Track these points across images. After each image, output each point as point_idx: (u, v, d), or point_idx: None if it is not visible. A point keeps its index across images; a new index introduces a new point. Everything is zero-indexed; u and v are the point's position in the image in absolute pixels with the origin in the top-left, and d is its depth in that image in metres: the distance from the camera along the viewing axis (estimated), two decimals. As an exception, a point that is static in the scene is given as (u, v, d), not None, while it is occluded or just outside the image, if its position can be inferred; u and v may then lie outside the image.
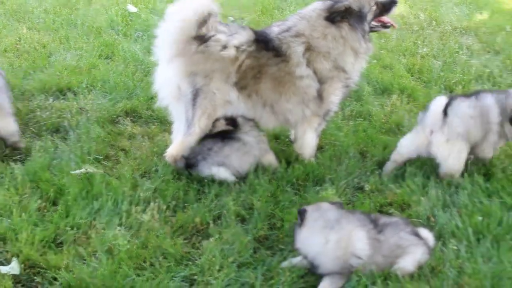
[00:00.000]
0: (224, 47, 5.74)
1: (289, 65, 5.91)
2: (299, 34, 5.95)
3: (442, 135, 5.80)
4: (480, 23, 10.73)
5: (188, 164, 5.81)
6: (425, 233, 4.89)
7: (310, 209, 4.61)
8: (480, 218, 5.37)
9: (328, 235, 4.44)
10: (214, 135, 5.94)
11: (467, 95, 6.16)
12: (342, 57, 5.98)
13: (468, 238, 5.13)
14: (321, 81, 5.99)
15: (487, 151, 6.12)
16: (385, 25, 6.17)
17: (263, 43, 5.92)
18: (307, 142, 6.24)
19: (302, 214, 4.54)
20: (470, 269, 4.73)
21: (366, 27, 5.99)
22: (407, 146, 6.07)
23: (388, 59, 8.92)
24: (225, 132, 5.95)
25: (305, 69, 5.92)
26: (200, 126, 5.86)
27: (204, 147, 5.85)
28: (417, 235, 4.77)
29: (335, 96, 6.13)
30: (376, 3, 6.00)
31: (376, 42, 9.51)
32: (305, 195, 5.64)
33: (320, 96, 6.05)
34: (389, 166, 6.17)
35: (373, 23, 6.09)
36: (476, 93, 6.12)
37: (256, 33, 6.01)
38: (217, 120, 5.96)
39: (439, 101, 5.88)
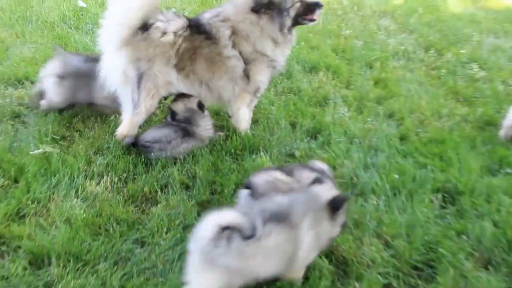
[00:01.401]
0: (164, 33, 5.78)
1: (219, 47, 5.97)
2: (226, 19, 5.99)
3: None
4: (396, 7, 10.87)
5: (144, 146, 5.81)
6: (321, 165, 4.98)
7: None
8: (396, 176, 5.52)
9: None
10: (177, 128, 5.96)
11: None
12: (260, 42, 6.03)
13: (386, 193, 5.29)
14: (246, 61, 6.06)
15: None
16: (311, 19, 6.21)
17: (196, 27, 5.96)
18: (242, 117, 6.29)
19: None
20: (388, 220, 4.89)
21: (287, 21, 6.01)
22: None
23: (315, 41, 8.99)
24: (188, 126, 6.00)
25: (231, 50, 5.98)
26: (146, 106, 5.89)
27: (165, 138, 5.83)
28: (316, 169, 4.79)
29: (261, 76, 6.19)
30: (301, 2, 6.02)
31: (304, 26, 9.57)
32: (242, 163, 5.69)
33: (247, 75, 6.13)
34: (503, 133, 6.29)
35: (300, 19, 6.12)
36: None
37: (189, 19, 6.06)
38: (193, 97, 6.10)
39: None
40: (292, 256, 3.93)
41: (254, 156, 5.83)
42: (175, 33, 5.82)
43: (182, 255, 4.42)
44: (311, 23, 6.27)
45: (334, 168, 5.68)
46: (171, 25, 5.82)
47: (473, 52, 8.68)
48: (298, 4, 5.97)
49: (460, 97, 7.33)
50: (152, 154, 5.72)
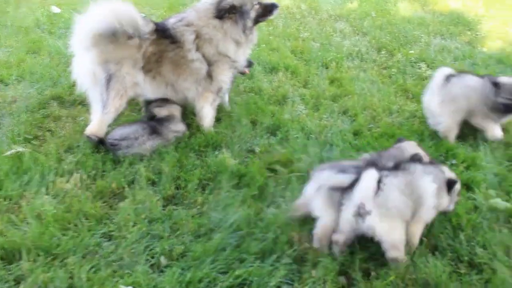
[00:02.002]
0: (131, 37, 5.70)
1: (183, 50, 5.94)
2: (190, 24, 5.96)
3: None
4: (351, 11, 10.86)
5: (112, 144, 5.70)
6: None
7: None
8: (350, 168, 5.50)
9: None
10: (146, 125, 5.91)
11: None
12: (223, 45, 6.01)
13: (340, 185, 5.26)
14: (209, 63, 6.05)
15: None
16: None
17: (162, 32, 5.92)
18: (205, 115, 6.24)
19: None
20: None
21: (248, 23, 6.01)
22: None
23: (275, 43, 8.95)
24: (156, 126, 5.94)
25: (195, 54, 5.97)
26: (115, 106, 5.83)
27: (132, 135, 5.74)
28: None
29: (223, 76, 6.18)
30: (260, 4, 6.04)
31: (265, 29, 9.57)
32: (205, 159, 5.65)
33: (210, 76, 6.09)
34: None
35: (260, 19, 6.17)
36: None
37: (156, 24, 6.01)
38: (172, 102, 6.14)
39: None
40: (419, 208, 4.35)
41: (216, 153, 5.79)
42: (141, 37, 5.74)
43: (148, 248, 4.38)
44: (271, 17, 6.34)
45: (292, 162, 5.67)
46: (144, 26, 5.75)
47: (421, 53, 8.71)
48: (257, 6, 5.99)
49: (410, 94, 7.35)
50: (120, 151, 5.63)
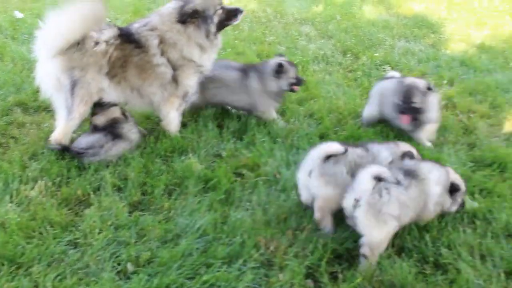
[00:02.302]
0: (96, 43, 5.66)
1: (148, 55, 5.91)
2: (154, 29, 5.94)
3: None
4: (316, 14, 10.92)
5: (78, 153, 5.63)
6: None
7: None
8: (316, 172, 5.52)
9: None
10: (107, 131, 5.83)
11: None
12: (187, 49, 6.00)
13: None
14: (174, 68, 6.02)
15: None
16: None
17: (126, 37, 5.88)
18: (171, 120, 6.22)
19: None
20: (309, 214, 4.87)
21: (211, 28, 6.01)
22: None
23: (241, 47, 8.95)
24: (114, 129, 5.88)
25: (160, 58, 5.94)
26: (79, 112, 5.76)
27: (97, 143, 5.70)
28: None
29: (189, 81, 6.17)
30: (223, 8, 6.05)
31: (231, 33, 9.57)
32: (172, 165, 5.61)
33: (176, 81, 6.08)
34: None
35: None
36: None
37: (120, 29, 5.97)
38: (114, 107, 5.97)
39: None
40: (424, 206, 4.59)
41: (183, 158, 5.77)
42: (107, 42, 5.73)
43: (114, 255, 4.35)
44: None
45: (258, 166, 5.68)
46: (103, 34, 5.73)
47: (386, 55, 8.79)
48: (220, 11, 5.99)
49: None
50: (86, 159, 5.58)
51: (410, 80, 6.23)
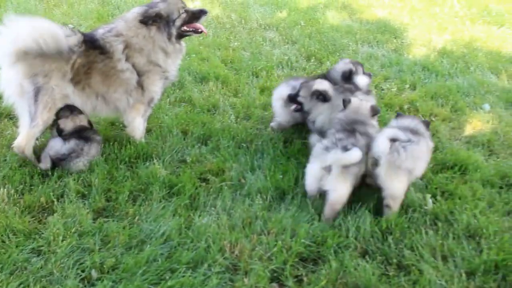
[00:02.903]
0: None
1: (113, 61, 5.84)
2: (119, 34, 5.89)
3: None
4: (280, 20, 10.95)
5: (60, 159, 5.60)
6: None
7: None
8: (281, 176, 5.55)
9: None
10: (79, 136, 5.79)
11: None
12: (153, 54, 5.97)
13: (272, 193, 5.32)
14: (139, 73, 5.98)
15: None
16: (196, 31, 6.19)
17: (90, 43, 5.82)
18: (136, 126, 6.18)
19: None
20: (274, 218, 4.90)
21: (173, 31, 5.99)
22: None
23: (206, 53, 8.94)
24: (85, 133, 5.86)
25: (125, 64, 5.88)
26: (43, 118, 5.67)
27: (77, 146, 5.66)
28: None
29: (154, 86, 6.13)
30: (186, 11, 6.03)
31: (195, 39, 9.55)
32: (136, 171, 5.60)
33: (141, 87, 6.04)
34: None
35: (185, 28, 6.09)
36: None
37: (84, 34, 5.91)
38: (81, 113, 5.92)
39: None
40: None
41: (147, 164, 5.75)
42: (70, 48, 5.65)
43: (78, 262, 4.32)
44: (197, 35, 6.36)
45: (223, 171, 5.69)
46: (67, 41, 5.63)
47: (349, 60, 8.84)
48: (184, 15, 6.00)
49: (339, 101, 7.41)
50: (69, 164, 5.59)
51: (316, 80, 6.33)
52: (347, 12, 11.69)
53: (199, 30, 6.20)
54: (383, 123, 6.23)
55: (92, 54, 5.81)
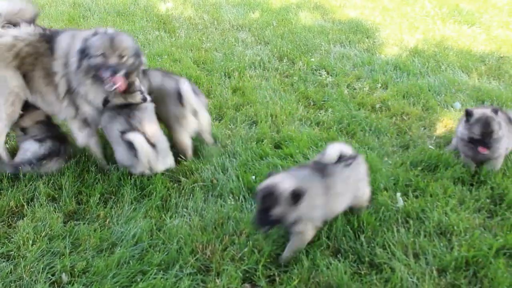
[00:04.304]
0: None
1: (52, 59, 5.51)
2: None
3: None
4: (253, 21, 10.93)
5: (40, 159, 5.56)
6: None
7: None
8: (253, 176, 5.55)
9: None
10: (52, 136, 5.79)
11: None
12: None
13: (243, 193, 5.34)
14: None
15: None
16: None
17: (48, 37, 5.54)
18: (77, 137, 5.78)
19: None
20: (246, 218, 4.90)
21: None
22: None
23: (178, 54, 8.89)
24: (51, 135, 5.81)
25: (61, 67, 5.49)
26: (6, 113, 5.50)
27: (54, 147, 5.66)
28: None
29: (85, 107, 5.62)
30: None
31: (167, 40, 9.55)
32: (107, 173, 5.59)
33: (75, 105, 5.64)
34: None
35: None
36: None
37: (45, 29, 5.67)
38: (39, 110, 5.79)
39: None
40: None
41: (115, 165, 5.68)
42: (15, 36, 5.43)
43: (48, 266, 4.29)
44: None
45: (196, 172, 5.66)
46: (13, 29, 5.46)
47: (322, 60, 8.85)
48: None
49: (311, 101, 7.45)
50: (49, 165, 5.59)
51: None
52: (319, 12, 11.71)
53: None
54: (360, 125, 6.29)
55: (42, 47, 5.50)
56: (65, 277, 4.20)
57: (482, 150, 5.71)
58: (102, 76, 5.21)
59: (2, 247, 4.51)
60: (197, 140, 6.17)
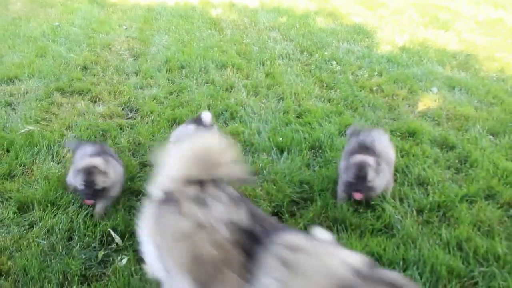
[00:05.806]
0: None
1: None
2: None
3: None
4: (281, 23, 10.76)
5: None
6: None
7: None
8: (280, 138, 5.54)
9: None
10: None
11: None
12: None
13: (273, 150, 5.34)
14: None
15: None
16: None
17: None
18: None
19: None
20: (276, 169, 4.92)
21: None
22: None
23: (225, 47, 8.83)
24: None
25: None
26: None
27: None
28: None
29: None
30: None
31: (217, 36, 9.50)
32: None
33: None
34: None
35: None
36: None
37: None
38: None
39: None
40: None
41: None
42: None
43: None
44: None
45: (238, 134, 5.66)
46: None
47: (332, 54, 8.72)
48: None
49: (324, 83, 7.37)
50: None
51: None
52: (331, 18, 11.49)
53: None
54: (361, 102, 6.23)
55: None
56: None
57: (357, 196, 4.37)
58: None
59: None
60: (245, 110, 6.17)
